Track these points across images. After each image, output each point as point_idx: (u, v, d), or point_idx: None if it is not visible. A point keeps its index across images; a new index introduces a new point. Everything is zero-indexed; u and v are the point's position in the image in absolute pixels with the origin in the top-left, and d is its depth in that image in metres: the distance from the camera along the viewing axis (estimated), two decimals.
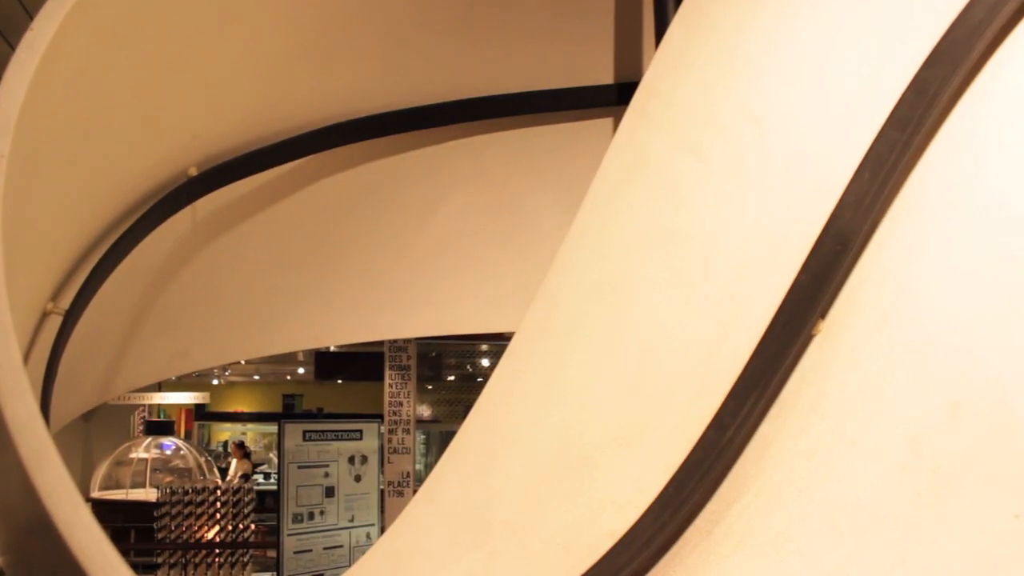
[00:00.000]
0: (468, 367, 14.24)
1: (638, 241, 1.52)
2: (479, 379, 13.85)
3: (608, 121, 2.54)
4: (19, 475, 0.83)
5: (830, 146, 1.31)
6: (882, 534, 1.01)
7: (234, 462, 15.00)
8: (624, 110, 1.60)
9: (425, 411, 13.42)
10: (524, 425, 1.51)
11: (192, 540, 9.07)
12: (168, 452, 13.79)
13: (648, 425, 1.35)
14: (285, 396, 22.46)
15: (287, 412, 20.57)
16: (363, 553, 1.75)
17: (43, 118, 1.29)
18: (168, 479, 12.27)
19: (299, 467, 7.76)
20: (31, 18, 1.28)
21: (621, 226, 1.57)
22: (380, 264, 2.78)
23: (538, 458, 1.46)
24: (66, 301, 1.81)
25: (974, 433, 0.99)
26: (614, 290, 1.52)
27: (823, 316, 1.22)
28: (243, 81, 2.06)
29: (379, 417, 9.71)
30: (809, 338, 1.21)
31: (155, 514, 9.23)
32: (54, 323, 1.77)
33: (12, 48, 1.21)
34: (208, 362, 2.87)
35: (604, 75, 2.47)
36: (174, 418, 18.18)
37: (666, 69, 1.58)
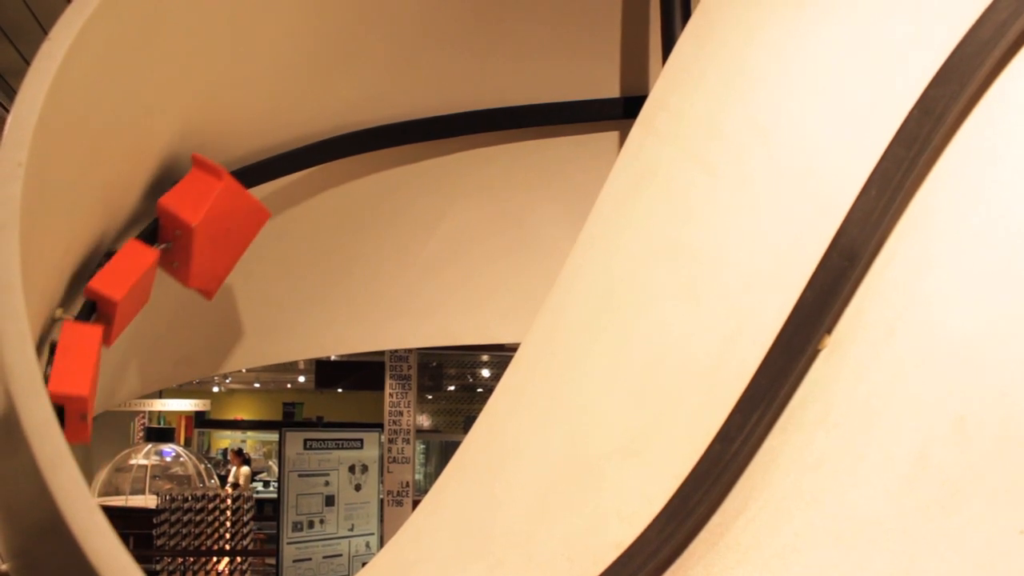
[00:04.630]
0: (469, 377, 14.23)
1: (645, 254, 1.53)
2: (480, 389, 13.85)
3: (614, 134, 2.55)
4: (34, 477, 0.84)
5: (837, 162, 1.32)
6: (887, 547, 1.01)
7: (233, 469, 15.00)
8: (630, 123, 1.61)
9: (425, 421, 13.41)
10: (530, 435, 1.51)
11: (191, 547, 9.05)
12: (168, 459, 13.79)
13: (654, 436, 1.35)
14: (285, 404, 22.42)
15: (287, 420, 20.53)
16: (362, 562, 1.75)
17: (58, 127, 1.30)
18: (168, 486, 12.26)
19: (299, 475, 7.76)
20: (41, 26, 1.29)
21: (628, 238, 1.57)
22: (387, 274, 2.78)
23: (544, 468, 1.46)
24: (74, 308, 1.82)
25: (980, 447, 1.00)
26: (621, 302, 1.53)
27: (829, 330, 1.23)
28: (251, 91, 2.07)
29: (379, 426, 9.71)
30: (816, 352, 1.22)
31: (154, 521, 9.22)
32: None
33: (22, 56, 1.23)
34: (213, 369, 2.87)
35: (611, 88, 2.49)
36: (174, 425, 18.15)
37: (674, 83, 1.59)
